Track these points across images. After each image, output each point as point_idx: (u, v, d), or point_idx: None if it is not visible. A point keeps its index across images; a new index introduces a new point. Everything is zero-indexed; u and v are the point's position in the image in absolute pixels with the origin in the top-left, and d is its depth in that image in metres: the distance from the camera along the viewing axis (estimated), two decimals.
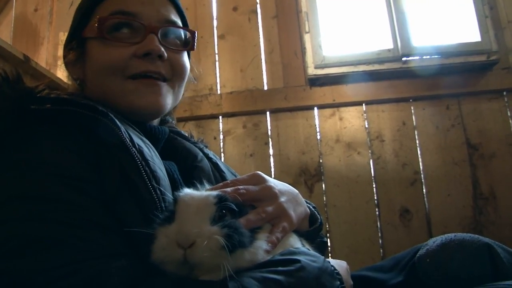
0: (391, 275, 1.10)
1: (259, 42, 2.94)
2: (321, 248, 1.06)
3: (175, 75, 1.10)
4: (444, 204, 2.65)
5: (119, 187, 0.80)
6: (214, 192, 0.81)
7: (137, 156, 0.83)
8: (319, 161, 2.75)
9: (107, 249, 0.73)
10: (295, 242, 0.90)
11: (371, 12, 2.95)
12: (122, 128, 0.86)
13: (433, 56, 2.72)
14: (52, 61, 2.93)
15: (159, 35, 1.05)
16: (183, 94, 1.19)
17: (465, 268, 0.94)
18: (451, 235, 1.03)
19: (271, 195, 0.90)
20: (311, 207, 1.10)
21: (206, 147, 1.30)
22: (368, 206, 2.69)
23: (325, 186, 2.73)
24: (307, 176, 2.73)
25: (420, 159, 2.72)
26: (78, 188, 0.77)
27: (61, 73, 1.50)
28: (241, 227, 0.76)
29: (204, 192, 0.81)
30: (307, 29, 2.80)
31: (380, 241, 2.65)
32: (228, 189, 0.85)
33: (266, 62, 2.90)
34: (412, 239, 2.62)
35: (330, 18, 2.92)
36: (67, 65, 1.14)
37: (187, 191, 0.81)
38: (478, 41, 2.70)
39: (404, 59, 2.72)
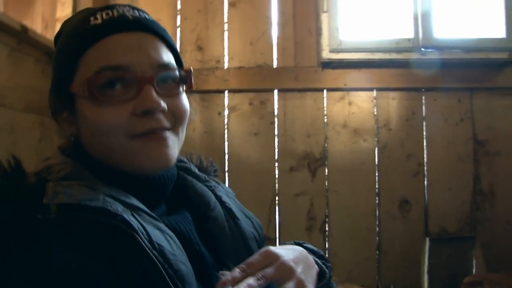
0: None
1: (272, 13, 2.77)
2: None
3: (177, 121, 1.02)
4: (444, 198, 2.68)
5: None
6: None
7: (158, 260, 0.78)
8: (324, 145, 2.72)
9: None
10: None
11: None
12: (139, 229, 0.80)
13: (453, 50, 2.61)
14: (50, 18, 2.73)
15: (155, 84, 0.97)
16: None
17: None
18: None
19: (288, 270, 0.88)
20: (319, 262, 1.09)
21: (219, 183, 1.25)
22: (368, 194, 2.70)
23: (328, 171, 2.72)
24: (311, 160, 2.71)
25: (425, 151, 2.71)
26: None
27: None
28: None
29: None
30: (325, 8, 2.62)
31: (377, 229, 2.70)
32: (251, 281, 0.83)
33: (278, 36, 2.75)
34: (408, 230, 2.68)
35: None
36: (56, 117, 1.00)
37: None
38: (503, 37, 2.59)
39: (423, 50, 2.61)
